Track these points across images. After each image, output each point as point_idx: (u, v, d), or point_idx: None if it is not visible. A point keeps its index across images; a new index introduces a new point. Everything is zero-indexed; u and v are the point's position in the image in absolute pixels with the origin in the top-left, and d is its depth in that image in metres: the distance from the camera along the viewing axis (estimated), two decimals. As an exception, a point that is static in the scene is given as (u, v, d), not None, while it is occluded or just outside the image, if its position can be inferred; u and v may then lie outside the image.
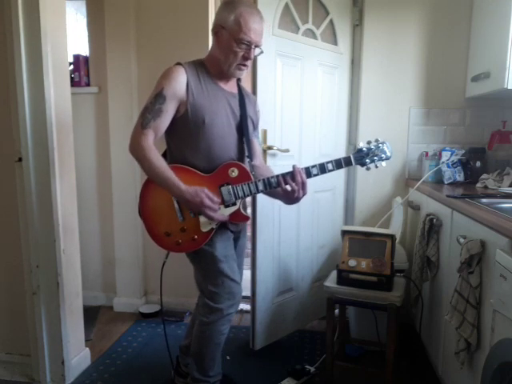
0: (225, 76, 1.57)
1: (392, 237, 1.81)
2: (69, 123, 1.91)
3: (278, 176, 1.51)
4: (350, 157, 1.55)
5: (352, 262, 1.80)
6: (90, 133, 2.64)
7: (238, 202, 1.52)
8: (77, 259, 2.00)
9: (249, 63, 1.52)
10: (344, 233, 1.88)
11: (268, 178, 1.51)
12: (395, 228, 2.29)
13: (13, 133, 1.78)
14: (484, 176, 2.14)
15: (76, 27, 2.75)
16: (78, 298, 2.01)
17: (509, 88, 1.84)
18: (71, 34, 2.54)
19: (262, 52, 1.54)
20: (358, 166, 1.58)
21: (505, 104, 2.31)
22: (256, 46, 1.49)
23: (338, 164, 1.53)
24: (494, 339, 1.23)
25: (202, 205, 1.43)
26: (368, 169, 1.57)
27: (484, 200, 1.65)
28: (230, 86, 1.61)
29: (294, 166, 1.51)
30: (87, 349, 2.09)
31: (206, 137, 1.51)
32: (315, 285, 2.41)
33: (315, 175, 1.53)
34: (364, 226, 2.46)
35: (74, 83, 2.54)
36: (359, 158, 1.56)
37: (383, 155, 1.57)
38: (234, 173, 1.51)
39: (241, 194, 1.51)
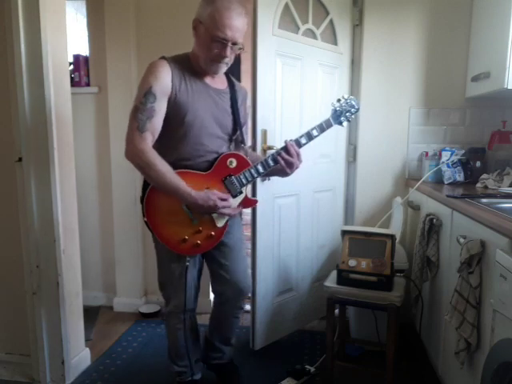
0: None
1: (392, 237, 1.81)
2: (69, 123, 1.91)
3: (273, 155, 1.57)
4: (329, 119, 1.66)
5: (352, 262, 1.80)
6: (89, 133, 2.64)
7: (244, 190, 1.57)
8: (77, 259, 2.00)
9: (227, 60, 1.47)
10: (344, 233, 1.88)
11: (265, 159, 1.57)
12: (395, 228, 2.29)
13: (13, 133, 1.78)
14: (484, 176, 2.13)
15: (76, 27, 2.75)
16: (78, 297, 2.01)
17: (509, 88, 1.84)
18: (71, 33, 2.53)
19: (241, 49, 1.48)
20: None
21: (505, 104, 2.31)
22: (233, 44, 1.43)
23: (322, 128, 1.64)
24: (494, 339, 1.23)
25: (216, 207, 1.45)
26: (342, 125, 1.71)
27: (484, 200, 1.64)
28: (217, 82, 1.58)
29: (286, 141, 1.58)
30: (87, 349, 2.09)
31: (187, 134, 1.49)
32: (315, 285, 2.41)
33: (304, 144, 1.62)
34: (364, 226, 2.46)
35: (74, 83, 2.54)
36: (336, 117, 1.68)
37: (353, 109, 1.70)
38: (233, 163, 1.55)
39: (245, 181, 1.55)
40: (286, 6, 2.09)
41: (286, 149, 1.56)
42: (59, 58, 1.80)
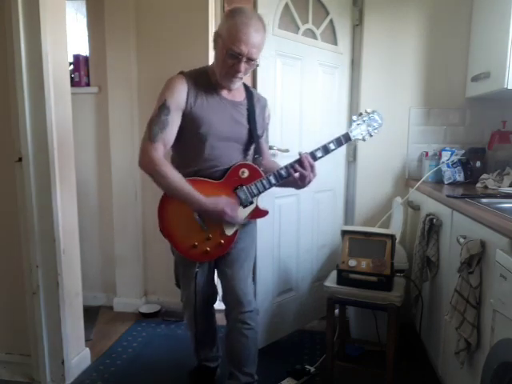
0: None
1: (392, 237, 1.81)
2: (69, 123, 1.91)
3: (286, 167, 1.55)
4: (347, 133, 1.60)
5: (352, 262, 1.80)
6: (89, 133, 2.64)
7: (255, 200, 1.57)
8: (77, 259, 2.00)
9: (241, 75, 1.48)
10: (344, 233, 1.88)
11: (278, 171, 1.55)
12: (395, 228, 2.29)
13: (13, 133, 1.78)
14: (484, 176, 2.13)
15: (76, 27, 2.75)
16: (78, 297, 2.01)
17: (509, 88, 1.84)
18: (71, 34, 2.53)
19: (257, 65, 1.51)
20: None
21: (505, 104, 2.31)
22: (249, 59, 1.44)
23: (339, 142, 1.59)
24: (494, 339, 1.23)
25: (224, 213, 1.46)
26: (364, 140, 1.64)
27: (484, 200, 1.65)
28: (234, 94, 1.59)
29: (300, 153, 1.55)
30: (87, 349, 2.09)
31: (201, 147, 1.52)
32: (315, 285, 2.41)
33: (320, 157, 1.57)
34: (364, 226, 2.46)
35: (74, 83, 2.54)
36: (355, 131, 1.62)
37: (375, 124, 1.64)
38: (245, 173, 1.55)
39: (256, 191, 1.55)
40: (286, 5, 2.09)
41: (299, 161, 1.54)
42: (59, 58, 1.80)
